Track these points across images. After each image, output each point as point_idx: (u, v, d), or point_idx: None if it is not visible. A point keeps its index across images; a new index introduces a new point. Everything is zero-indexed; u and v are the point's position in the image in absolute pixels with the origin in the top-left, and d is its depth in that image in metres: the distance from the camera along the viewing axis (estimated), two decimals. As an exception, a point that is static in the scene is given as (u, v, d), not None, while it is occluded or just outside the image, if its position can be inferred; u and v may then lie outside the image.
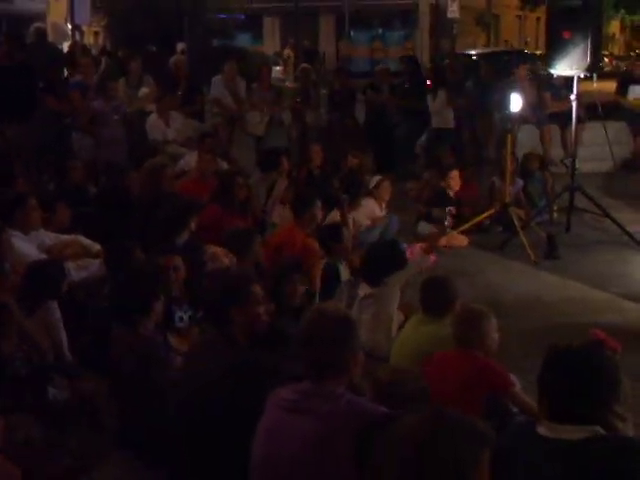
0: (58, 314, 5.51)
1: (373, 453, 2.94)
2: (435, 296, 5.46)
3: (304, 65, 13.87)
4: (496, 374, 4.78)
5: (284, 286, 5.88)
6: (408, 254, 7.32)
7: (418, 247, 8.50)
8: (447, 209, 10.40)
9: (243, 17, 30.64)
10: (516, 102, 9.98)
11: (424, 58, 26.85)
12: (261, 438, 3.46)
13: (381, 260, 6.51)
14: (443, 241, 9.83)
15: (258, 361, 4.23)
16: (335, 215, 8.68)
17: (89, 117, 10.75)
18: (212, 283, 4.62)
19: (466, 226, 10.21)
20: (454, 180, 10.70)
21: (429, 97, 13.52)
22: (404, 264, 6.66)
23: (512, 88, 11.18)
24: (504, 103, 10.69)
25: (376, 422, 3.26)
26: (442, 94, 13.37)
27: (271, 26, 39.62)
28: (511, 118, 10.73)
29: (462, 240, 10.07)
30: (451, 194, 10.67)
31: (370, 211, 9.67)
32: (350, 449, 3.19)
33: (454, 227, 10.34)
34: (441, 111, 13.40)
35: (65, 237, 7.14)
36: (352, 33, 36.97)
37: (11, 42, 10.90)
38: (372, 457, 2.93)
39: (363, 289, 6.63)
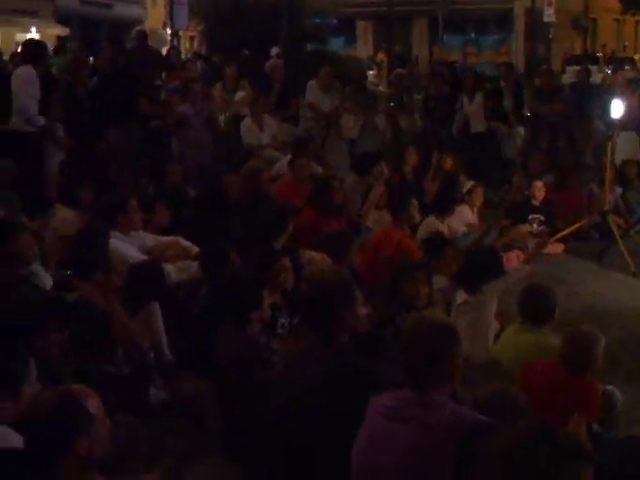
0: (159, 315, 5.60)
1: (474, 464, 2.93)
2: (535, 305, 5.40)
3: (398, 70, 13.86)
4: (597, 405, 4.75)
5: (402, 285, 5.80)
6: (505, 262, 7.24)
7: (515, 255, 8.38)
8: (531, 217, 10.19)
9: (336, 21, 30.71)
10: (617, 108, 9.78)
11: (519, 63, 26.47)
12: (362, 445, 3.47)
13: (480, 268, 6.43)
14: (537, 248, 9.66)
15: (358, 367, 4.22)
16: (432, 222, 8.61)
17: (175, 120, 10.86)
18: (315, 285, 4.60)
19: (563, 233, 10.03)
20: (538, 190, 10.54)
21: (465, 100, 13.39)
22: (502, 272, 6.59)
23: (613, 93, 10.97)
24: (605, 109, 10.49)
25: (478, 432, 3.24)
26: (479, 97, 13.23)
27: (364, 30, 39.63)
28: (612, 124, 10.52)
29: (557, 247, 9.91)
30: (535, 203, 10.50)
31: (465, 217, 9.60)
32: (452, 458, 3.18)
33: (549, 235, 10.16)
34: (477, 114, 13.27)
35: (165, 239, 7.26)
36: (445, 37, 36.78)
37: (113, 47, 11.11)
38: (473, 468, 2.92)
39: (460, 296, 6.57)
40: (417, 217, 8.24)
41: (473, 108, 13.40)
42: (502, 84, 14.36)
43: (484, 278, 6.31)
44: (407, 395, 3.38)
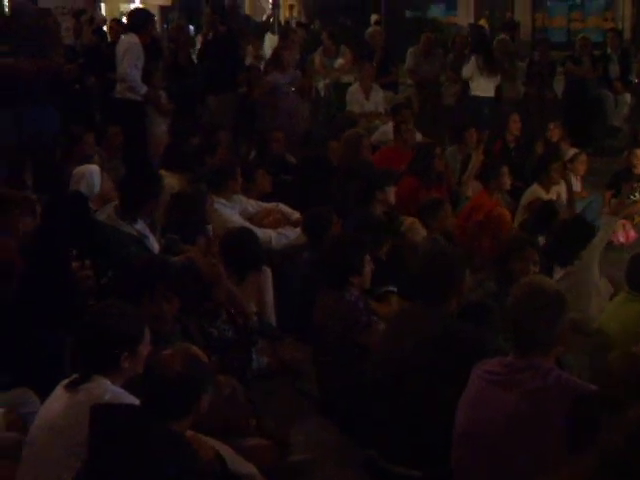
0: (270, 280, 5.65)
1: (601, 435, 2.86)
2: None
3: (502, 36, 13.54)
4: None
5: (512, 264, 5.69)
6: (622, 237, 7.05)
7: (620, 224, 8.13)
8: (634, 185, 9.84)
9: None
10: None
11: (626, 29, 25.70)
12: (465, 408, 3.48)
13: (574, 241, 6.25)
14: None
15: (464, 332, 4.23)
16: (536, 190, 8.42)
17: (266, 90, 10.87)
18: (432, 256, 4.60)
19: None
20: (638, 159, 10.19)
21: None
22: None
23: None
24: None
25: (584, 400, 3.20)
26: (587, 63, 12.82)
27: (465, -4, 39.01)
28: None
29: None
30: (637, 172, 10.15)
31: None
32: (558, 425, 3.15)
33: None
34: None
35: (266, 205, 7.32)
36: (549, 3, 35.88)
37: (214, 16, 11.19)
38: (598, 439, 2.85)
39: (556, 272, 6.41)
40: (508, 184, 8.05)
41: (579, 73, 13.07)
42: (608, 50, 13.96)
43: (578, 249, 6.14)
44: (514, 361, 3.36)
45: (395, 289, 5.91)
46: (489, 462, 3.33)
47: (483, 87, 12.12)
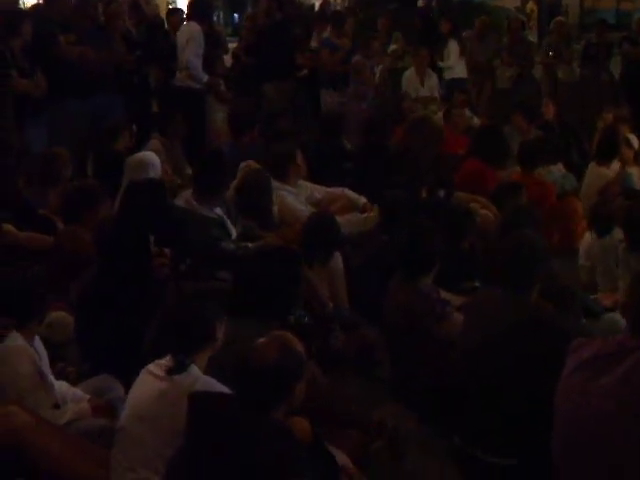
0: (342, 266, 5.64)
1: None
2: None
3: (559, 19, 13.44)
4: None
5: None
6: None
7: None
8: None
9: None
10: None
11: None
12: (566, 396, 3.45)
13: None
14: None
15: (550, 319, 4.22)
16: (595, 170, 8.28)
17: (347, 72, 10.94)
18: (513, 242, 4.56)
19: None
20: None
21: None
22: None
23: None
24: None
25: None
26: None
27: (513, -21, 38.58)
28: None
29: None
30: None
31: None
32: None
33: None
34: None
35: (333, 191, 7.31)
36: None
37: (270, 2, 11.17)
38: None
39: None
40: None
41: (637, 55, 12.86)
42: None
43: None
44: (623, 340, 3.34)
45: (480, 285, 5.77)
46: (595, 452, 3.31)
47: None
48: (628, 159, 8.65)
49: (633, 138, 9.33)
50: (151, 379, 3.75)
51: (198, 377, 3.68)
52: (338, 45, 11.52)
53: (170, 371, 3.68)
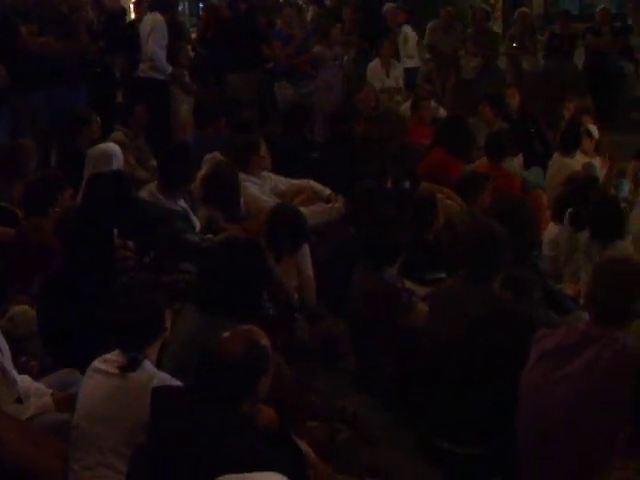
0: (309, 257, 5.63)
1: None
2: None
3: (523, 9, 13.51)
4: None
5: None
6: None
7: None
8: None
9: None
10: None
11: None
12: (530, 386, 3.48)
13: (614, 216, 6.17)
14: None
15: (514, 308, 4.24)
16: (563, 160, 8.34)
17: (307, 62, 10.93)
18: (477, 232, 4.57)
19: None
20: None
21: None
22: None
23: None
24: None
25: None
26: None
27: (477, -30, 38.66)
28: None
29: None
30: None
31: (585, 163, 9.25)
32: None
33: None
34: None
35: (297, 182, 7.29)
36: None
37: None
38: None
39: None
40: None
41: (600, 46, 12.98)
42: (629, 21, 13.84)
43: (614, 230, 6.07)
44: (586, 329, 3.38)
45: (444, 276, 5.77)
46: (561, 441, 3.34)
47: None
48: (589, 149, 8.73)
49: (594, 128, 9.40)
50: (102, 377, 3.69)
51: (154, 373, 3.64)
52: (290, 36, 11.46)
53: (123, 368, 3.63)
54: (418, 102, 9.82)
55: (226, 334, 3.42)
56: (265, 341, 3.46)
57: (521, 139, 9.22)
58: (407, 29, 12.53)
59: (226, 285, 4.29)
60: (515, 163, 8.70)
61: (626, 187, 8.39)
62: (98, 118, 7.64)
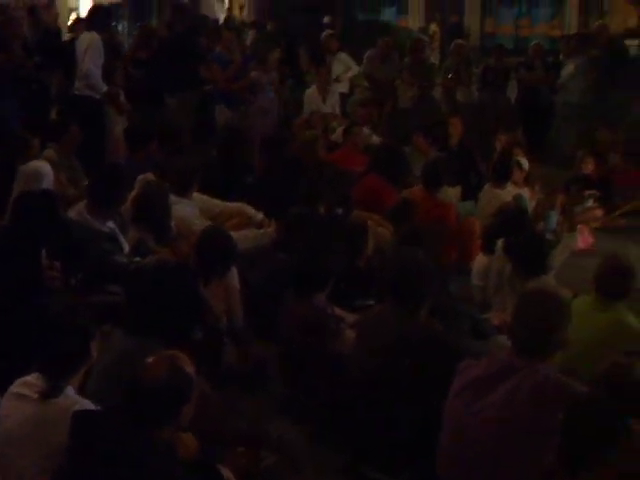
0: (237, 280, 5.61)
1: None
2: (615, 281, 5.23)
3: (459, 41, 13.72)
4: None
5: None
6: (581, 242, 7.13)
7: (585, 230, 8.22)
8: (587, 193, 9.96)
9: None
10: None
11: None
12: (452, 414, 3.50)
13: (543, 253, 6.29)
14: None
15: (441, 336, 4.29)
16: (491, 191, 8.48)
17: (245, 87, 10.96)
18: (405, 259, 4.61)
19: (625, 209, 9.87)
20: (586, 165, 10.31)
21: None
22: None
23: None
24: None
25: (578, 401, 3.23)
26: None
27: (416, 0, 39.19)
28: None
29: (618, 222, 9.72)
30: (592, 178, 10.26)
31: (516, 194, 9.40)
32: (550, 425, 3.18)
33: (608, 211, 9.98)
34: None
35: (231, 205, 7.27)
36: (497, 9, 36.21)
37: (176, 13, 11.11)
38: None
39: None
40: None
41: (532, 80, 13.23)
42: (561, 57, 14.13)
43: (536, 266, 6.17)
44: (509, 360, 3.42)
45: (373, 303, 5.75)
46: (481, 471, 3.37)
47: None
48: (519, 181, 8.89)
49: (524, 161, 9.58)
50: (22, 401, 3.62)
51: (76, 400, 3.59)
52: (230, 60, 11.48)
53: (44, 395, 3.56)
54: (350, 128, 9.91)
55: (150, 359, 3.40)
56: (189, 368, 3.44)
57: (459, 170, 9.35)
58: (342, 56, 12.59)
59: (154, 308, 4.26)
60: (452, 194, 8.80)
61: (554, 219, 8.56)
62: (36, 140, 7.57)
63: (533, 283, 5.80)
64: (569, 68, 12.90)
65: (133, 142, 8.14)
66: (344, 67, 12.62)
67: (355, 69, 12.62)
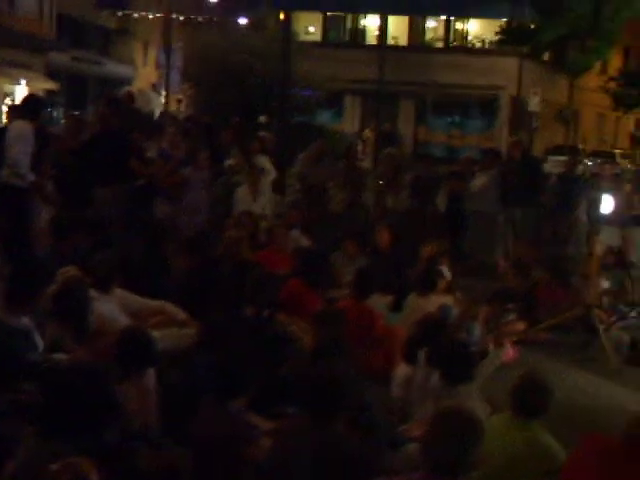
0: (153, 382, 5.49)
1: None
2: (531, 398, 5.21)
3: (390, 149, 14.00)
4: None
5: None
6: (504, 355, 7.17)
7: (509, 344, 8.25)
8: (509, 306, 10.09)
9: (324, 95, 31.04)
10: (608, 203, 9.88)
11: (502, 149, 26.91)
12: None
13: (469, 361, 6.31)
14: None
15: (355, 450, 4.22)
16: (416, 301, 8.55)
17: (177, 184, 10.99)
18: (325, 374, 4.57)
19: (547, 323, 10.02)
20: (509, 277, 10.48)
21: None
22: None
23: (600, 187, 11.09)
24: (592, 202, 10.59)
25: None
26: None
27: (352, 105, 40.05)
28: (598, 218, 10.61)
29: (539, 336, 9.84)
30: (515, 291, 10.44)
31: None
32: None
33: (530, 325, 10.11)
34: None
35: (152, 303, 7.19)
36: (430, 118, 37.24)
37: (109, 107, 11.12)
38: None
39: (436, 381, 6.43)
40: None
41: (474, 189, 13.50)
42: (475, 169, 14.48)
43: (463, 373, 6.18)
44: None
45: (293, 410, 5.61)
46: None
47: None
48: (440, 289, 8.97)
49: (446, 270, 9.70)
50: None
51: None
52: (172, 155, 11.55)
53: None
54: (272, 229, 9.96)
55: (54, 466, 3.28)
56: (94, 476, 3.32)
57: (387, 278, 9.40)
58: (261, 159, 12.64)
59: (65, 410, 4.14)
60: (382, 303, 8.81)
61: (477, 331, 8.62)
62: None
63: (456, 392, 5.81)
64: (482, 179, 13.24)
65: (58, 232, 8.02)
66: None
67: (273, 174, 12.63)
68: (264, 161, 12.42)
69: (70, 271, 6.92)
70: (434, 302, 8.59)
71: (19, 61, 32.34)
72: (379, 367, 7.44)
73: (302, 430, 4.46)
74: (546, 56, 41.08)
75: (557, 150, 33.56)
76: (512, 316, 9.86)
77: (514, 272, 10.54)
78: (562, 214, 13.64)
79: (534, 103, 31.95)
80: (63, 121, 12.45)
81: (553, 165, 24.53)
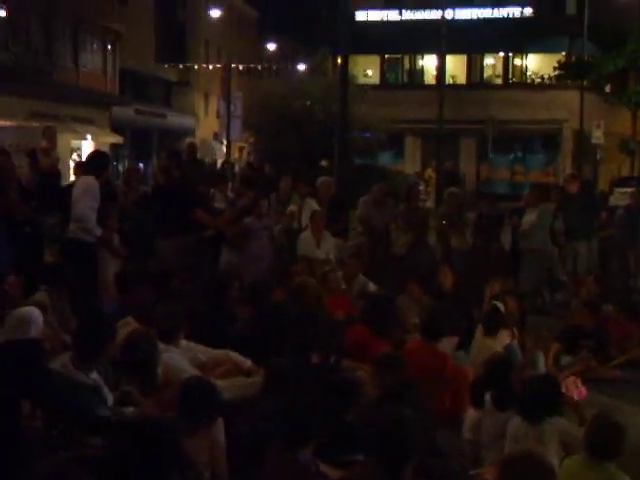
0: (222, 432, 5.50)
1: None
2: (605, 440, 5.13)
3: (453, 188, 13.95)
4: None
5: None
6: (564, 390, 7.03)
7: (572, 381, 8.15)
8: (581, 342, 9.91)
9: (385, 136, 31.15)
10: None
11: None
12: None
13: (541, 396, 6.19)
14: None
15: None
16: (482, 341, 8.45)
17: (241, 233, 11.09)
18: (391, 421, 4.53)
19: (619, 360, 9.81)
20: (579, 315, 10.28)
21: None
22: (561, 402, 6.41)
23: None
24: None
25: None
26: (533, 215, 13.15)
27: (412, 145, 40.10)
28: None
29: (612, 374, 9.65)
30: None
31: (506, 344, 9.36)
32: None
33: (602, 362, 9.91)
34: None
35: (217, 352, 7.21)
36: (493, 155, 37.05)
37: (171, 159, 11.31)
38: None
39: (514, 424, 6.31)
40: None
41: (525, 226, 13.33)
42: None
43: (546, 407, 6.08)
44: None
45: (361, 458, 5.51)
46: None
47: None
48: (506, 328, 8.86)
49: (512, 308, 9.57)
50: None
51: None
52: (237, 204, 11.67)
53: None
54: (326, 274, 9.93)
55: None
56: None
57: (453, 319, 9.32)
58: (310, 202, 12.68)
59: (133, 463, 4.17)
60: (447, 344, 8.73)
61: (541, 362, 8.49)
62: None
63: (546, 428, 5.68)
64: (530, 216, 13.07)
65: (123, 285, 8.14)
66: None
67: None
68: (313, 204, 12.44)
69: (129, 322, 7.00)
70: (501, 342, 8.50)
71: (84, 116, 33.13)
72: (450, 409, 7.38)
73: (370, 478, 4.41)
74: (607, 88, 40.71)
75: (623, 182, 33.10)
76: (583, 353, 9.69)
77: (582, 308, 10.34)
78: (629, 246, 13.44)
79: (597, 135, 31.64)
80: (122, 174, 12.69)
81: (619, 197, 24.17)
